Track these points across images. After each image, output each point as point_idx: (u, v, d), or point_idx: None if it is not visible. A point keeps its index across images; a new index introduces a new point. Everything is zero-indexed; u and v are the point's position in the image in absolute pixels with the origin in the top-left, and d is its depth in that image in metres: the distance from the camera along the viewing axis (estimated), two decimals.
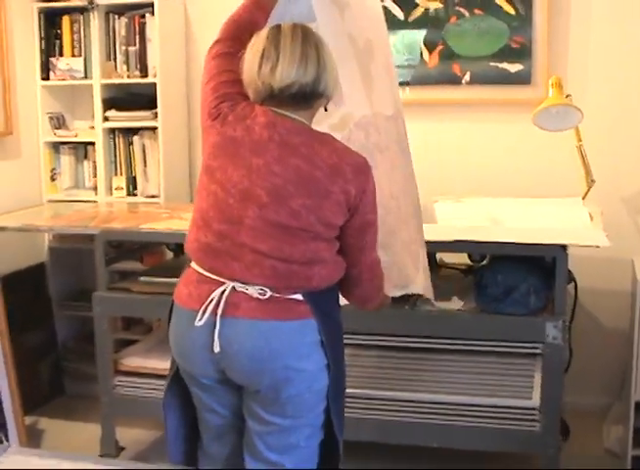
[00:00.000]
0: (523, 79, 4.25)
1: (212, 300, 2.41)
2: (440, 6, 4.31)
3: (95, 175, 4.75)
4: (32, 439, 4.06)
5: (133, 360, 3.93)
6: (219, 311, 2.40)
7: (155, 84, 4.53)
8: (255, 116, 2.42)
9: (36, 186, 4.78)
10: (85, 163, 4.83)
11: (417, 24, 4.37)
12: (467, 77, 4.33)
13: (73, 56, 4.69)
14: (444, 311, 3.44)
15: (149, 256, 4.42)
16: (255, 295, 2.40)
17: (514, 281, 3.34)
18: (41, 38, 4.69)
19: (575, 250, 3.33)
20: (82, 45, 4.67)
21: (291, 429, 2.48)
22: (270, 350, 2.39)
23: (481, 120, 4.39)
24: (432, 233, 3.20)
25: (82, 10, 4.62)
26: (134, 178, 4.69)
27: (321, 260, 2.43)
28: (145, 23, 4.55)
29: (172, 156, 4.62)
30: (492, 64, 4.28)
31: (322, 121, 2.64)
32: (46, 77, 4.73)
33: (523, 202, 4.02)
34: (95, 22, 4.58)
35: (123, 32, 4.60)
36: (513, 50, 4.24)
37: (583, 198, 3.92)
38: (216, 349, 2.40)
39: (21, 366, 4.06)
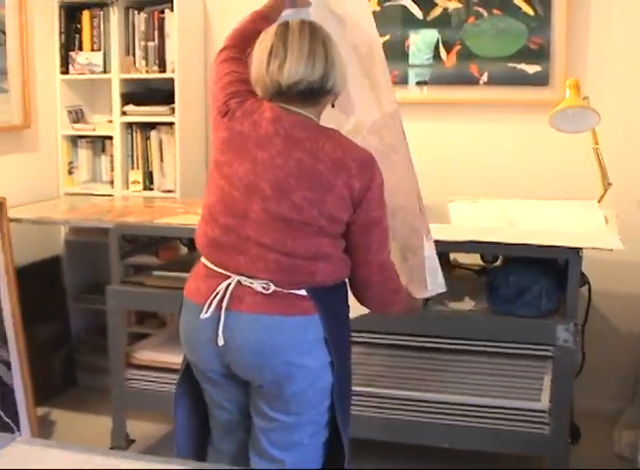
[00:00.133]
0: (540, 81, 4.23)
1: (218, 293, 2.43)
2: (459, 6, 4.31)
3: (112, 169, 4.77)
4: (44, 430, 4.08)
5: (145, 354, 3.95)
6: (224, 305, 2.42)
7: (173, 80, 4.54)
8: (263, 111, 2.44)
9: (54, 179, 4.81)
10: (103, 156, 4.85)
11: (435, 24, 4.36)
12: (484, 78, 4.32)
13: (93, 50, 4.71)
14: (456, 312, 3.44)
15: (164, 250, 4.44)
16: (260, 289, 2.40)
17: (526, 283, 3.34)
18: (61, 33, 4.72)
19: (590, 252, 3.32)
20: (102, 40, 4.68)
21: (294, 426, 2.48)
22: (272, 344, 2.39)
23: (498, 121, 4.38)
24: (445, 233, 3.20)
25: (102, 5, 4.64)
26: (151, 173, 4.71)
27: (326, 256, 2.42)
28: (164, 18, 4.56)
29: (189, 151, 4.63)
30: (510, 65, 4.27)
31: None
32: (65, 71, 4.76)
33: (538, 203, 4.00)
34: (114, 17, 4.60)
35: (143, 28, 4.62)
36: (531, 51, 4.23)
37: (599, 201, 3.90)
38: (220, 342, 2.42)
39: (34, 358, 4.08)
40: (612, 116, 3.99)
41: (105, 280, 3.99)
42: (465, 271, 3.91)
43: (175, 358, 3.50)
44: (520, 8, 4.21)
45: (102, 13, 4.66)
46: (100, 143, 4.85)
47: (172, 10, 4.51)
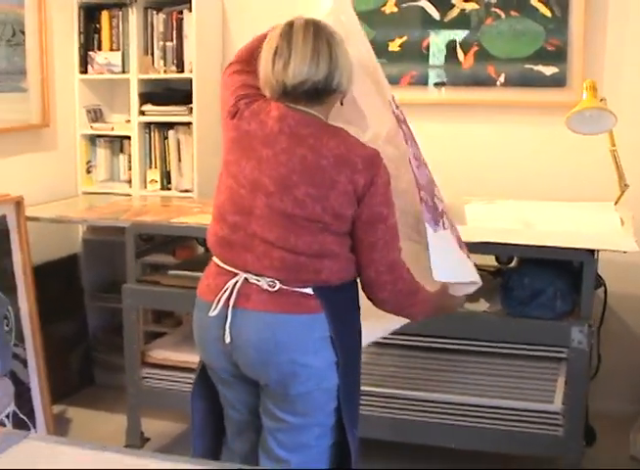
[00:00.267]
0: (558, 82, 4.22)
1: (226, 291, 2.45)
2: (477, 7, 4.30)
3: (130, 169, 4.79)
4: (60, 428, 4.10)
5: (160, 353, 3.97)
6: (231, 302, 2.43)
7: (190, 80, 4.56)
8: (269, 110, 2.45)
9: (72, 178, 4.84)
10: (121, 156, 4.87)
11: (453, 25, 4.36)
12: (501, 79, 4.32)
13: (112, 50, 4.73)
14: (470, 313, 3.43)
15: (181, 249, 4.46)
16: (266, 286, 2.41)
17: (540, 284, 3.33)
18: (80, 32, 4.74)
19: (606, 254, 3.31)
20: (120, 40, 4.71)
21: (301, 427, 2.48)
22: (276, 342, 2.40)
23: (515, 123, 4.37)
24: (461, 234, 3.19)
25: (121, 5, 4.67)
26: (168, 172, 4.73)
27: (332, 255, 2.41)
28: (182, 18, 4.58)
29: (206, 151, 4.64)
30: (527, 66, 4.26)
31: None
32: (84, 71, 4.79)
33: (555, 205, 3.99)
34: (133, 17, 4.62)
35: (161, 28, 4.63)
36: (548, 52, 4.21)
37: (616, 202, 3.89)
38: (227, 339, 2.43)
39: (51, 356, 4.12)
40: (629, 117, 3.98)
41: (121, 279, 4.00)
42: (480, 272, 3.88)
43: (190, 357, 3.52)
44: (537, 9, 4.20)
45: (121, 13, 4.69)
46: (118, 142, 4.88)
47: (190, 10, 4.53)
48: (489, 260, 3.81)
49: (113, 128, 4.84)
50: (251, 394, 2.57)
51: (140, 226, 3.94)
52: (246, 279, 2.44)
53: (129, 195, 4.76)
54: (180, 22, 4.59)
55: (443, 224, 2.71)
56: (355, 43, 2.71)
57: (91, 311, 4.80)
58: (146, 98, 4.71)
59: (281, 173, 2.39)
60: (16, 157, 4.38)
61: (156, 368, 3.92)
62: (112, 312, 4.70)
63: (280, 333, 2.40)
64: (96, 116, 4.89)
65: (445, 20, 4.36)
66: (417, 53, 4.43)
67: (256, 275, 2.43)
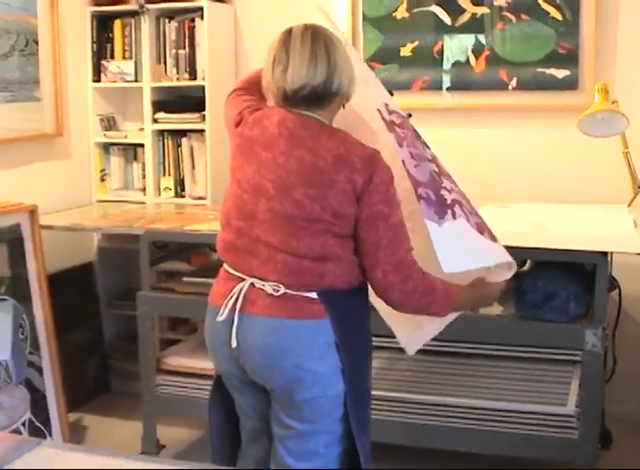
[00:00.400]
0: (569, 85, 4.22)
1: (233, 296, 2.46)
2: (488, 11, 4.30)
3: (144, 176, 4.82)
4: (76, 435, 4.12)
5: (175, 360, 3.97)
6: (237, 307, 2.44)
7: (203, 87, 4.59)
8: (271, 116, 2.47)
9: (86, 186, 4.87)
10: (134, 164, 4.90)
11: (464, 29, 4.37)
12: (513, 83, 4.32)
13: (124, 59, 4.77)
14: (483, 316, 3.43)
15: (196, 256, 4.47)
16: (270, 291, 2.41)
17: (554, 287, 3.32)
18: (93, 41, 4.78)
19: (620, 256, 3.31)
20: (133, 48, 4.74)
21: (309, 434, 2.47)
22: (281, 348, 2.40)
23: (527, 126, 4.37)
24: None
25: (133, 14, 4.70)
26: (182, 180, 4.75)
27: (334, 257, 2.40)
28: (194, 27, 4.61)
29: (220, 158, 4.66)
30: (539, 69, 4.26)
31: None
32: (97, 80, 4.82)
33: (567, 208, 4.00)
34: (146, 25, 4.65)
35: (173, 36, 4.66)
36: (560, 56, 4.21)
37: (629, 205, 3.88)
38: (233, 344, 2.44)
39: (67, 363, 4.14)
40: None
41: (137, 286, 4.02)
42: None
43: (205, 364, 3.53)
44: (548, 13, 4.20)
45: (133, 21, 4.72)
46: (132, 150, 4.90)
47: (202, 18, 4.56)
48: None
49: (126, 136, 4.86)
50: (262, 401, 2.57)
51: (154, 234, 3.96)
52: (252, 284, 2.45)
53: (143, 203, 4.78)
54: (192, 30, 4.61)
55: (453, 215, 2.62)
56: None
57: (106, 319, 4.83)
58: (159, 106, 4.73)
59: (280, 176, 2.40)
60: (30, 166, 4.41)
61: (171, 375, 3.92)
62: (127, 320, 4.72)
63: (285, 338, 2.40)
64: (109, 124, 4.92)
65: (456, 24, 4.37)
66: (429, 58, 4.43)
67: (262, 280, 2.43)
